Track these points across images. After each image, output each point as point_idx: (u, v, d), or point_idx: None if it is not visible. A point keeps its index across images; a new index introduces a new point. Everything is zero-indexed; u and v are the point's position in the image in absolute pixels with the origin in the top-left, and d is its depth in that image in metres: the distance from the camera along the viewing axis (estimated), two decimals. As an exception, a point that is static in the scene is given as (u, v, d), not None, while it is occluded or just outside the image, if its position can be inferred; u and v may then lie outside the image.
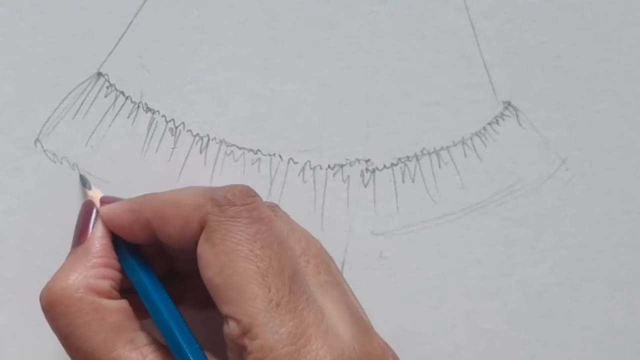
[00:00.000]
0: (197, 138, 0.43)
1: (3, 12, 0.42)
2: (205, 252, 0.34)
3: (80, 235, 0.38)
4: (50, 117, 0.42)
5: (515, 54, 0.44)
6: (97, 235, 0.37)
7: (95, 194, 0.40)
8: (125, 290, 0.37)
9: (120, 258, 0.37)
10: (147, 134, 0.43)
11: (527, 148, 0.44)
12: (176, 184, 0.43)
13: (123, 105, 0.43)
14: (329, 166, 0.43)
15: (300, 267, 0.35)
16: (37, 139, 0.42)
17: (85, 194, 0.41)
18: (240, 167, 0.43)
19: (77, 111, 0.43)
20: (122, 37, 0.43)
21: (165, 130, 0.43)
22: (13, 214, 0.42)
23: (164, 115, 0.43)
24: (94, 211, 0.39)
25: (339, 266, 0.43)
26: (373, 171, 0.44)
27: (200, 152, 0.43)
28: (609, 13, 0.44)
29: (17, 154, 0.42)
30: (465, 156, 0.44)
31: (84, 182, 0.42)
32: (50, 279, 0.36)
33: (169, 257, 0.40)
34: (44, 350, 0.42)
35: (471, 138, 0.44)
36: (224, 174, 0.43)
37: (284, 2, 0.43)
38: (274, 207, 0.39)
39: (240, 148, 0.43)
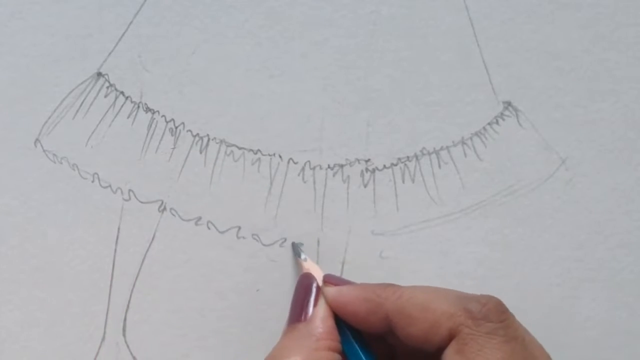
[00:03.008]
0: (197, 138, 0.43)
1: (3, 12, 0.42)
2: None
3: (302, 312, 0.38)
4: (50, 117, 0.42)
5: (515, 54, 0.44)
6: (321, 316, 0.37)
7: (312, 267, 0.40)
8: None
9: (343, 340, 0.37)
10: (147, 134, 0.43)
11: (527, 148, 0.44)
12: (176, 184, 0.43)
13: (123, 105, 0.43)
14: (329, 166, 0.43)
15: None
16: (37, 139, 0.42)
17: (299, 265, 0.41)
18: (240, 167, 0.43)
19: (77, 111, 0.43)
20: (122, 37, 0.43)
21: (165, 130, 0.43)
22: (13, 214, 0.42)
23: (164, 115, 0.43)
24: (314, 287, 0.39)
25: (339, 266, 0.43)
26: (373, 171, 0.44)
27: (200, 152, 0.43)
28: (609, 13, 0.44)
29: (17, 154, 0.42)
30: (465, 156, 0.44)
31: (298, 252, 0.42)
32: (273, 352, 0.36)
33: (388, 345, 0.39)
34: (44, 350, 0.42)
35: (471, 138, 0.44)
36: (224, 174, 0.43)
37: (284, 2, 0.43)
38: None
39: (240, 148, 0.43)
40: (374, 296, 0.37)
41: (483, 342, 0.34)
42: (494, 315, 0.35)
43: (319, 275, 0.39)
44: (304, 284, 0.39)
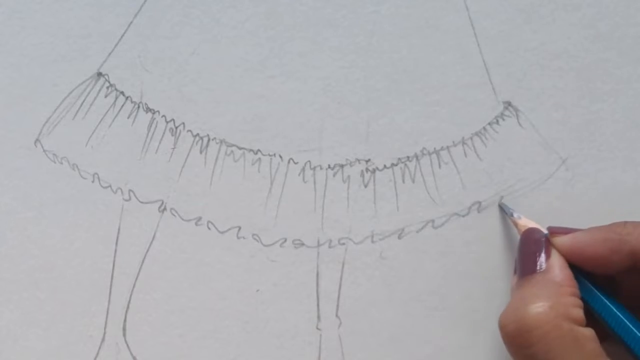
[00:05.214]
0: (197, 138, 0.43)
1: (3, 12, 0.42)
2: None
3: (535, 264, 0.38)
4: (50, 117, 0.43)
5: (515, 54, 0.44)
6: (559, 266, 0.38)
7: (529, 223, 0.40)
8: None
9: (580, 288, 0.37)
10: (147, 134, 0.43)
11: (527, 148, 0.44)
12: (176, 184, 0.43)
13: (123, 105, 0.43)
14: (329, 166, 0.43)
15: None
16: (37, 139, 0.42)
17: (513, 223, 0.42)
18: (241, 167, 0.43)
19: (77, 111, 0.43)
20: (122, 37, 0.43)
21: (165, 130, 0.43)
22: (13, 214, 0.42)
23: (164, 115, 0.43)
24: (544, 240, 0.39)
25: (339, 267, 0.43)
26: (373, 171, 0.44)
27: (200, 152, 0.43)
28: (609, 13, 0.44)
29: (17, 154, 0.42)
30: (465, 156, 0.44)
31: (509, 212, 0.42)
32: (514, 304, 0.36)
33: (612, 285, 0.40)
34: (44, 350, 0.42)
35: (471, 138, 0.44)
36: (224, 174, 0.43)
37: (284, 2, 0.43)
38: None
39: (240, 148, 0.43)
40: (614, 235, 0.37)
41: None
42: None
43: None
44: (532, 237, 0.39)
